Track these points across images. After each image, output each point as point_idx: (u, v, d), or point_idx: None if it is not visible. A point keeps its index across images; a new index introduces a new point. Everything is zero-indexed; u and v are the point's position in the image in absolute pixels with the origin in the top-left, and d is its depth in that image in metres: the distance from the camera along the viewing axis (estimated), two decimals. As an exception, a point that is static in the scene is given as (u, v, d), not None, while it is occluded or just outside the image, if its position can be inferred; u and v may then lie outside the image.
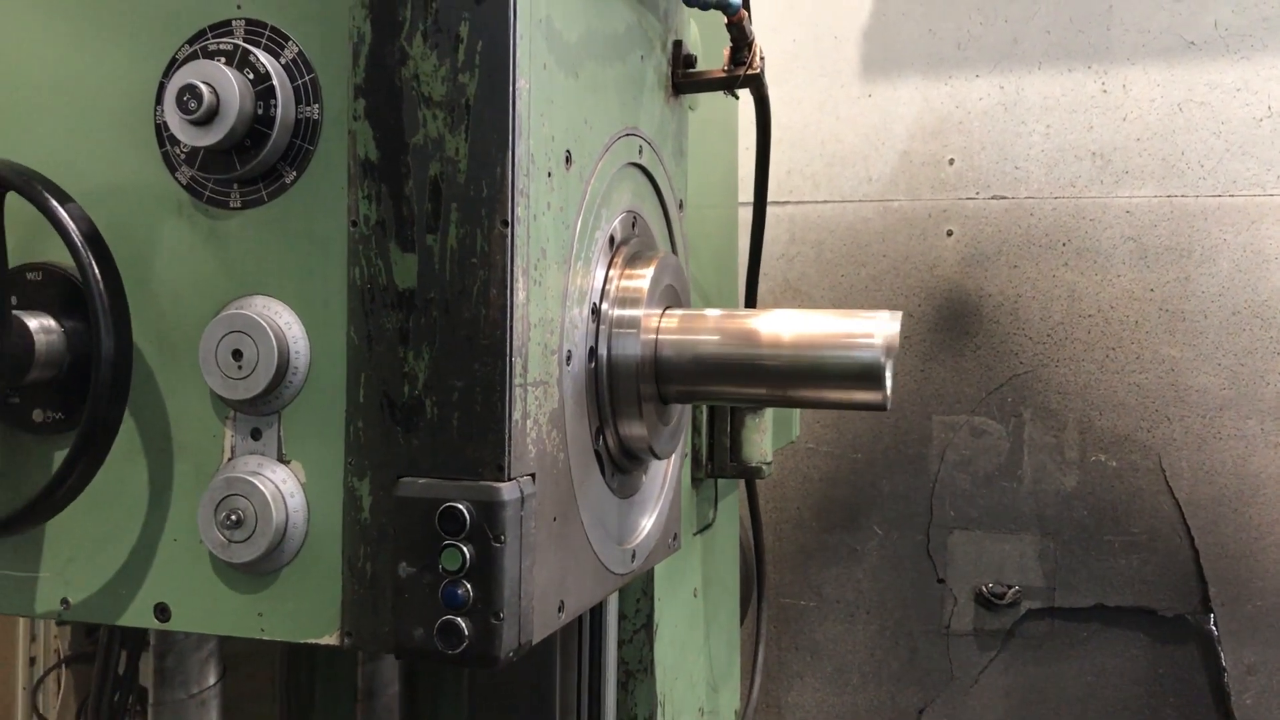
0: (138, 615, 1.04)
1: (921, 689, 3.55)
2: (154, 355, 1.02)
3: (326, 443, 0.99)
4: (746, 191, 2.28)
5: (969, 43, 3.38)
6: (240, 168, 0.99)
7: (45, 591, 1.07)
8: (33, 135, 1.04)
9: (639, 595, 1.60)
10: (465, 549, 0.92)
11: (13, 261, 1.01)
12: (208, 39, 1.01)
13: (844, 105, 3.47)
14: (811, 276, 3.54)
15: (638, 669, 1.61)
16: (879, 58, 3.51)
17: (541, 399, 1.00)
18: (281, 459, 1.00)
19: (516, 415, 0.95)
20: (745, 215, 2.21)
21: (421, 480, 0.95)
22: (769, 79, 1.44)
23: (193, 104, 0.95)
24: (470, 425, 0.95)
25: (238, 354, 0.98)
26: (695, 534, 1.76)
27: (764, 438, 1.75)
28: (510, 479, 0.94)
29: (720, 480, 1.85)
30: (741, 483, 2.08)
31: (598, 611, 1.53)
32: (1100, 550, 3.41)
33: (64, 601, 1.06)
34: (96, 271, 0.94)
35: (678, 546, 1.44)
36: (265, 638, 1.01)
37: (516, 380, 0.95)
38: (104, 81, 1.04)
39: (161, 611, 1.03)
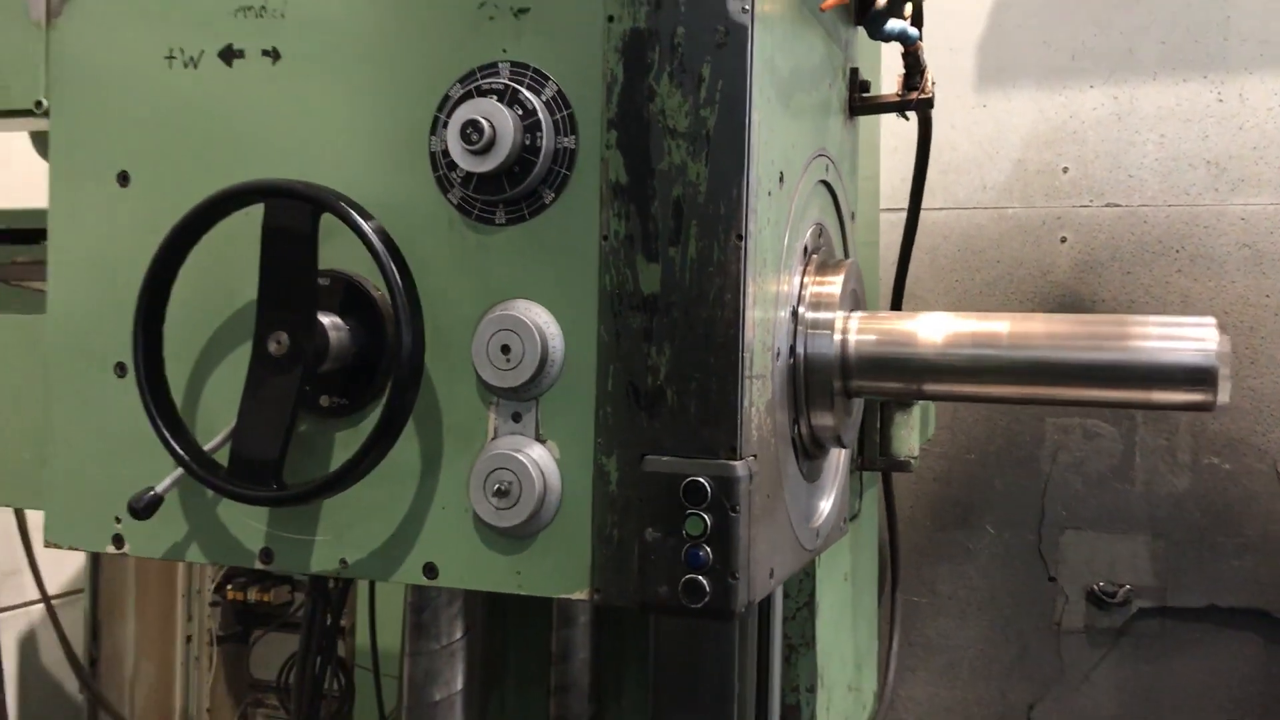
0: (408, 574, 1.21)
1: (1032, 685, 3.63)
2: (428, 351, 1.19)
3: (578, 425, 1.15)
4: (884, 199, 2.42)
5: (1083, 53, 3.46)
6: (508, 190, 1.15)
7: (323, 553, 1.25)
8: (327, 167, 1.22)
9: (802, 576, 1.74)
10: (706, 518, 1.08)
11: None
12: (477, 79, 1.17)
13: (959, 114, 3.57)
14: (926, 281, 3.64)
15: (800, 643, 1.76)
16: (994, 68, 3.60)
17: (761, 390, 1.15)
18: (539, 439, 1.16)
19: (745, 404, 1.10)
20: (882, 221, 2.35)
21: (665, 458, 1.11)
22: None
23: (475, 136, 1.12)
24: (707, 411, 1.10)
25: (506, 349, 1.14)
26: (847, 521, 1.90)
27: (912, 433, 1.88)
28: (741, 458, 1.09)
29: (864, 474, 1.98)
30: (879, 478, 2.21)
31: (766, 588, 1.67)
32: (1213, 551, 3.46)
33: (342, 561, 1.24)
34: (397, 278, 1.11)
35: (846, 530, 1.58)
36: (522, 593, 1.17)
37: (745, 373, 1.10)
38: (383, 118, 1.21)
39: (430, 570, 1.20)
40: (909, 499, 3.67)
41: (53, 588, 3.46)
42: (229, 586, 3.77)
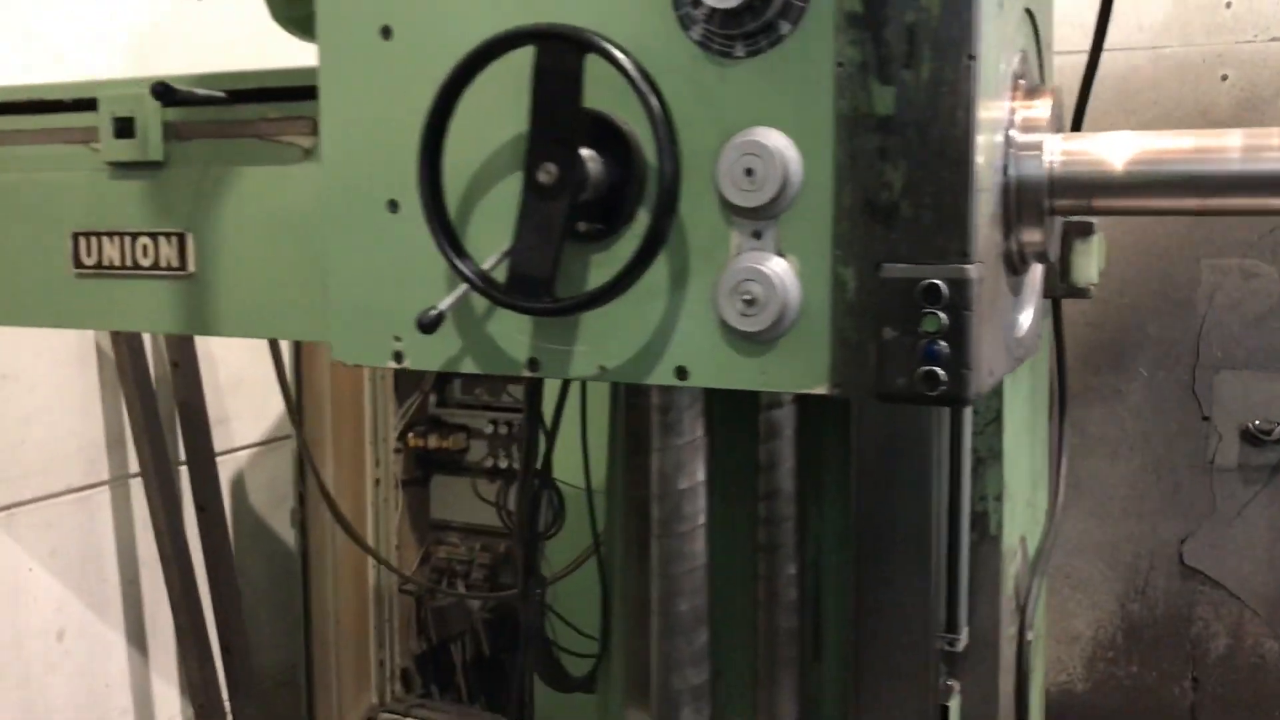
0: (661, 376, 1.37)
1: (1183, 521, 3.71)
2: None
3: (815, 240, 1.28)
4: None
5: (1252, -121, 3.35)
6: (747, 25, 1.26)
7: (583, 361, 1.41)
8: (577, 10, 1.34)
9: (990, 394, 1.86)
10: (942, 316, 1.20)
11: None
12: (715, -79, 1.28)
13: (1116, -48, 3.49)
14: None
15: (988, 456, 1.89)
16: (1152, -101, 3.51)
17: (985, 204, 1.26)
18: (779, 253, 1.29)
19: (974, 214, 1.21)
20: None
21: (901, 265, 1.23)
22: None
23: (721, -26, 1.23)
24: (940, 221, 1.22)
25: (750, 172, 1.27)
26: (1039, 338, 2.00)
27: (1091, 261, 1.96)
28: (972, 263, 1.21)
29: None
30: (1050, 309, 2.29)
31: (957, 404, 1.80)
32: (1373, 388, 3.46)
33: (600, 368, 1.40)
34: (659, 110, 1.24)
35: (1038, 348, 1.69)
36: (766, 389, 1.32)
37: (974, 186, 1.21)
38: (628, -40, 1.33)
39: (681, 372, 1.36)
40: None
41: (255, 435, 3.79)
42: (410, 434, 4.06)
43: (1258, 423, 3.59)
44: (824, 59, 1.26)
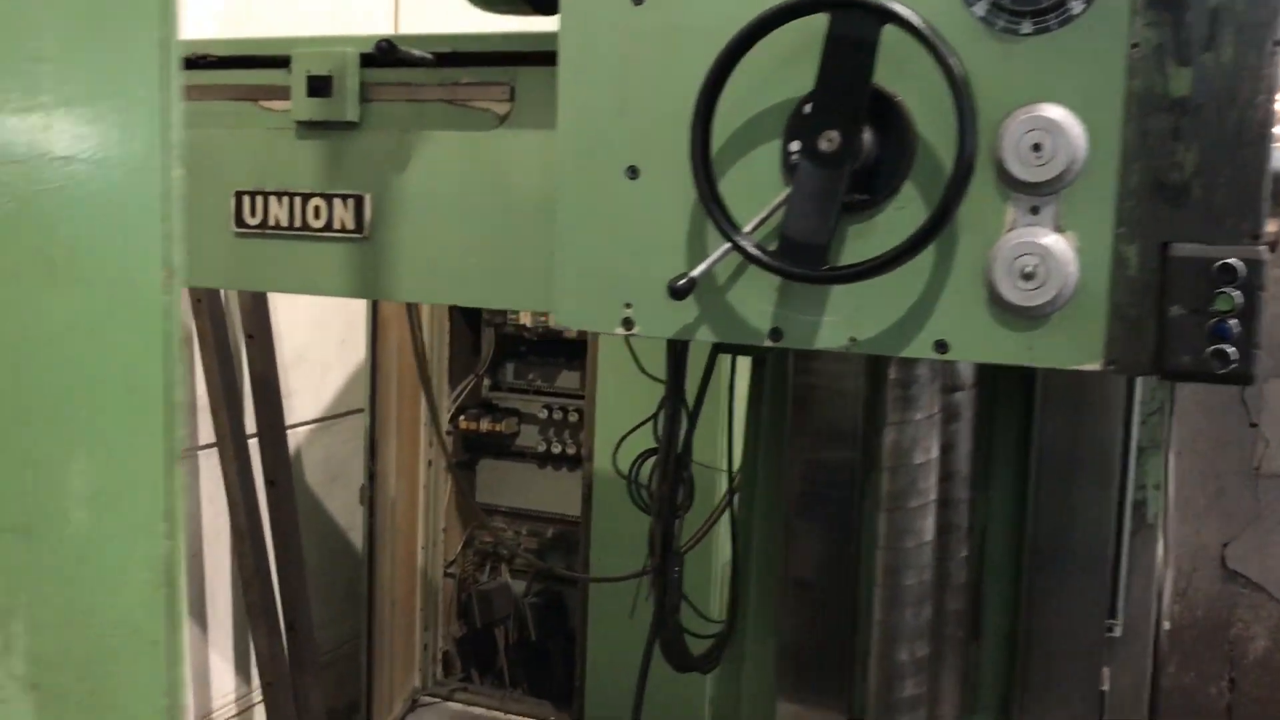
0: (919, 349, 1.38)
1: (1227, 524, 3.80)
2: (947, 151, 1.33)
3: (1096, 217, 1.30)
4: None
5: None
6: (1040, 3, 1.28)
7: (832, 331, 1.42)
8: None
9: (1156, 383, 1.89)
10: (1235, 295, 1.23)
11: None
12: (1009, -101, 1.29)
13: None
14: None
15: (1149, 445, 1.92)
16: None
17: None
18: (1057, 229, 1.31)
19: (1267, 197, 1.24)
20: None
21: (1192, 245, 1.25)
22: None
23: (1023, -50, 1.24)
24: (1233, 203, 1.24)
25: (1037, 147, 1.28)
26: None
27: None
28: (1263, 244, 1.24)
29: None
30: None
31: (1130, 391, 1.83)
32: None
33: (851, 339, 1.41)
34: (964, 84, 1.25)
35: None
36: (1034, 365, 1.34)
37: (1269, 170, 1.24)
38: (909, -66, 1.33)
39: (940, 346, 1.37)
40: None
41: (314, 412, 3.74)
42: (462, 417, 4.03)
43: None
44: (1118, 39, 1.27)
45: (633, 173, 1.49)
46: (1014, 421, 1.82)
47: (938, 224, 1.28)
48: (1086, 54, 1.29)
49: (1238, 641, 3.79)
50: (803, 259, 1.33)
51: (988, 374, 1.74)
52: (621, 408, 3.13)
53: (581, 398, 3.70)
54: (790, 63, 1.38)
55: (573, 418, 3.92)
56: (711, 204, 1.36)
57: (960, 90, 1.26)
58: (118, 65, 1.01)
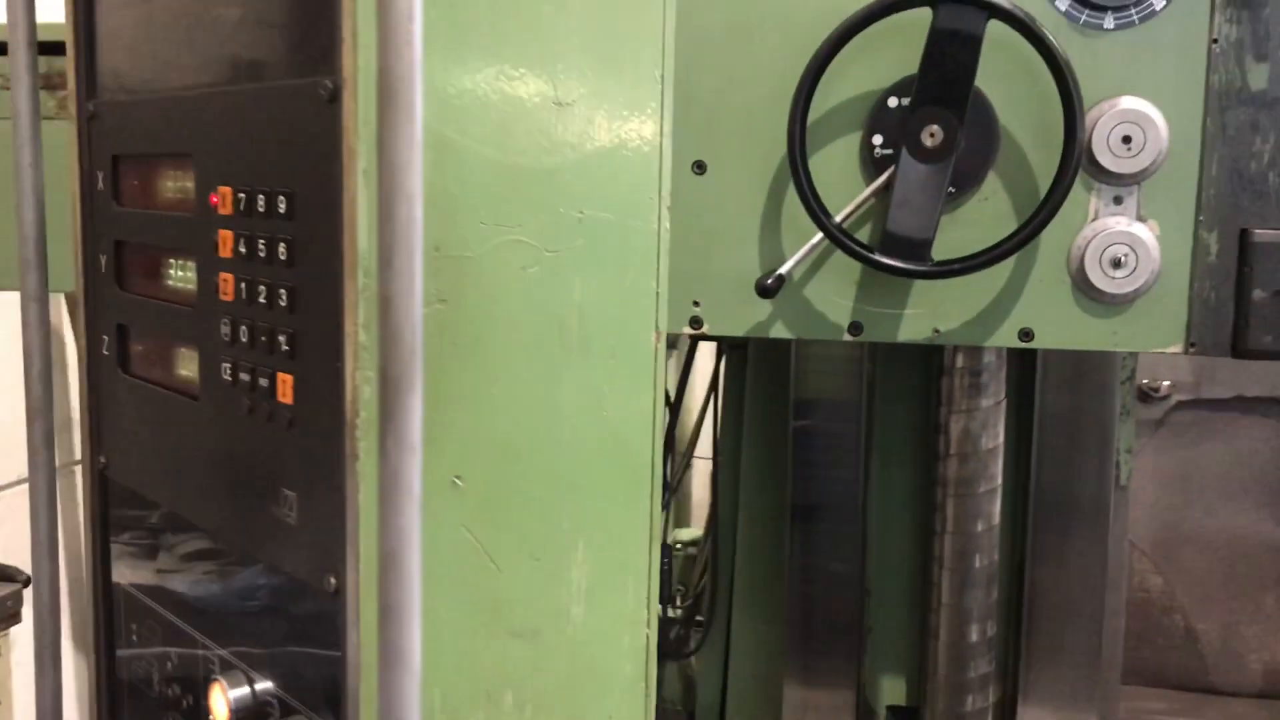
0: (1003, 338, 1.41)
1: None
2: (1033, 143, 1.36)
3: (1177, 206, 1.35)
4: None
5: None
6: (1120, 0, 1.32)
7: (915, 324, 1.43)
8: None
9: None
10: (1315, 277, 1.31)
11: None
12: (1092, -104, 1.32)
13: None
14: None
15: (1120, 412, 2.03)
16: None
17: (1318, 174, 1.37)
18: (1139, 218, 1.36)
19: (1336, 184, 1.33)
20: None
21: (1272, 230, 1.32)
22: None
23: (1126, -52, 1.27)
24: (1307, 190, 1.32)
25: (1127, 139, 1.33)
26: None
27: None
28: (1335, 229, 1.33)
29: None
30: None
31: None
32: (1246, 349, 3.91)
33: (935, 330, 1.42)
34: (1074, 79, 1.27)
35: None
36: (1118, 349, 1.39)
37: (1337, 158, 1.32)
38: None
39: (1025, 334, 1.40)
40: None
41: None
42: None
43: (1148, 381, 3.98)
44: (1199, 35, 1.33)
45: (699, 168, 1.45)
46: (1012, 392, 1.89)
47: (1048, 213, 1.31)
48: (1168, 49, 1.34)
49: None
50: (909, 254, 1.33)
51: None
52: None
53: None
54: (869, 55, 1.37)
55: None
56: (810, 199, 1.34)
57: (1070, 84, 1.28)
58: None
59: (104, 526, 1.41)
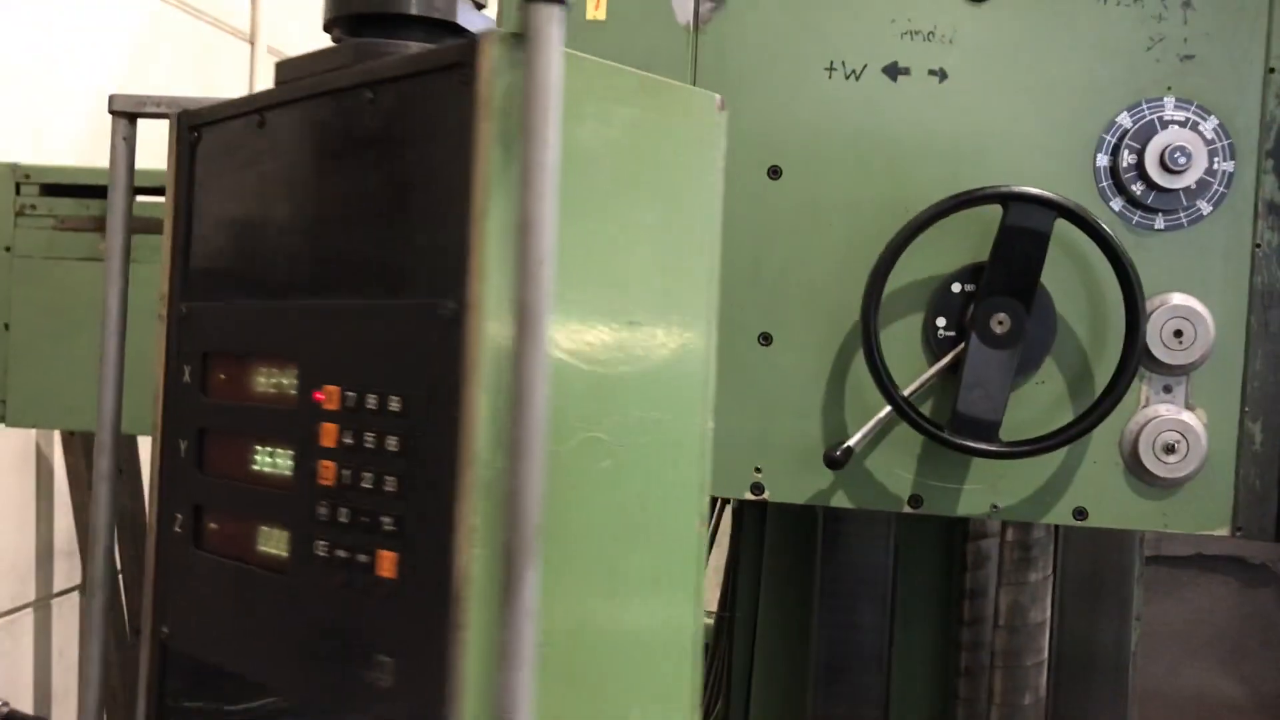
0: (1058, 516, 1.46)
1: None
2: (1090, 335, 1.44)
3: (1225, 396, 1.44)
4: None
5: None
6: (1171, 203, 1.42)
7: (974, 499, 1.48)
8: (997, 176, 1.44)
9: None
10: (1355, 469, 1.39)
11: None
12: (1143, 109, 1.43)
13: None
14: None
15: (1132, 579, 2.09)
16: None
17: (1347, 370, 1.47)
18: (1188, 407, 1.44)
19: (1365, 381, 1.42)
20: None
21: (1312, 423, 1.41)
22: None
23: (1181, 160, 1.38)
24: (1344, 387, 1.41)
25: (1179, 333, 1.41)
26: None
27: None
28: (1367, 423, 1.41)
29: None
30: None
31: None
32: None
33: (994, 506, 1.47)
34: (1136, 277, 1.36)
35: None
36: (1169, 530, 1.45)
37: (1366, 357, 1.42)
38: (1048, 135, 1.45)
39: (1080, 513, 1.46)
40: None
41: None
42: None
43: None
44: (1243, 239, 1.43)
45: (765, 339, 1.50)
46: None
47: (1114, 399, 1.38)
48: (1215, 251, 1.44)
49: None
50: (979, 434, 1.39)
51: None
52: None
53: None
54: (933, 243, 1.45)
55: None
56: (883, 375, 1.40)
57: (1134, 281, 1.37)
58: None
59: (160, 695, 1.39)
